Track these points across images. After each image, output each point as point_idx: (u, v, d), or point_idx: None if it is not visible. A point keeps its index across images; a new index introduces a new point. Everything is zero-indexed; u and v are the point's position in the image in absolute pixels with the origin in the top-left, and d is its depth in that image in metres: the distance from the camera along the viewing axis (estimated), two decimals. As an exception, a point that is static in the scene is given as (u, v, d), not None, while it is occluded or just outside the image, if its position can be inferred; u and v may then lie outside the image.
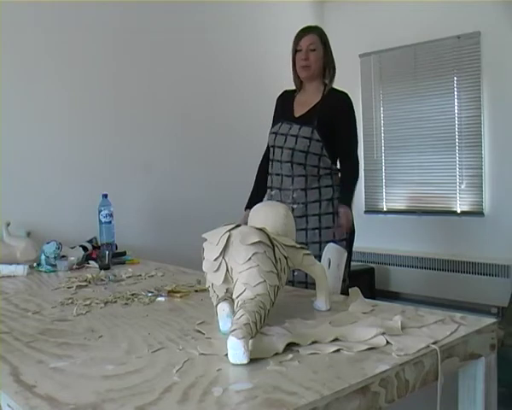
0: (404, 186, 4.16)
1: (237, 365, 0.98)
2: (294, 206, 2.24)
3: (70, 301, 1.61)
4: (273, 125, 2.39)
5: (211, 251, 1.19)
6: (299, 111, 2.33)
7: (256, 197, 2.38)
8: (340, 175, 2.33)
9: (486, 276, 3.57)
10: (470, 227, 3.67)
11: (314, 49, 2.29)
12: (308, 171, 2.25)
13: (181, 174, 3.29)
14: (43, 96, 2.71)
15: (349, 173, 2.34)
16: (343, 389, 0.88)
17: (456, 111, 3.72)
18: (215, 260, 1.18)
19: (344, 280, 2.12)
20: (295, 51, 2.34)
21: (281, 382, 0.91)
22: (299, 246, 1.32)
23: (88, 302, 1.57)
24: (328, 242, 2.16)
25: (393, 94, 4.10)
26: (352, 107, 2.34)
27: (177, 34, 3.28)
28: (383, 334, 1.10)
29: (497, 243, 3.55)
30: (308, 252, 1.36)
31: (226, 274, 1.17)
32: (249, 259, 1.13)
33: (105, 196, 2.57)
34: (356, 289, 1.51)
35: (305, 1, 4.19)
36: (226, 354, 1.01)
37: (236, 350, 0.98)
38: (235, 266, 1.15)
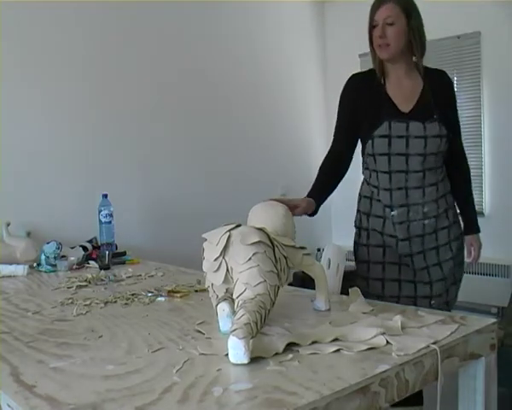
0: (404, 186, 4.15)
1: (237, 365, 0.98)
2: (425, 221, 1.85)
3: (70, 301, 1.61)
4: (373, 127, 1.84)
5: (211, 251, 1.19)
6: (404, 104, 1.85)
7: (319, 190, 1.88)
8: (455, 184, 1.96)
9: (486, 276, 3.57)
10: (470, 227, 3.67)
11: (392, 22, 1.79)
12: (438, 176, 1.87)
13: (181, 174, 3.29)
14: (43, 96, 2.71)
15: (469, 183, 1.99)
16: (343, 389, 0.88)
17: (456, 111, 3.72)
18: (215, 260, 1.18)
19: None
20: (371, 27, 1.85)
21: (281, 382, 0.91)
22: (298, 246, 1.32)
23: (88, 302, 1.57)
24: (461, 261, 1.97)
25: (393, 94, 4.10)
26: (453, 87, 1.97)
27: (178, 35, 3.28)
28: (383, 334, 1.10)
29: (497, 243, 3.54)
30: (308, 252, 1.36)
31: (226, 274, 1.17)
32: (249, 259, 1.12)
33: (105, 196, 2.57)
34: (356, 289, 1.51)
35: (305, 1, 4.19)
36: (226, 354, 1.01)
37: (237, 350, 0.98)
38: (235, 266, 1.15)
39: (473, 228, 1.99)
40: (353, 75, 1.98)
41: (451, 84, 1.96)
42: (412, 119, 1.81)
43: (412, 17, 1.81)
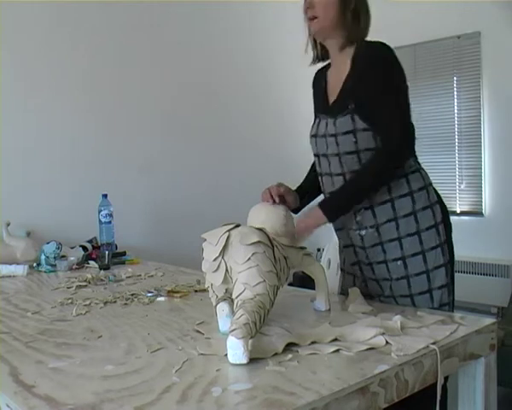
0: (404, 186, 4.15)
1: (236, 365, 0.98)
2: (362, 232, 1.52)
3: (70, 301, 1.61)
4: (312, 124, 1.66)
5: (210, 251, 1.19)
6: (333, 94, 1.57)
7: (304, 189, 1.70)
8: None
9: (486, 276, 3.57)
10: (470, 227, 3.67)
11: None
12: None
13: (181, 174, 3.29)
14: (42, 96, 2.71)
15: (364, 172, 1.47)
16: (342, 390, 0.88)
17: (455, 111, 3.71)
18: (214, 260, 1.18)
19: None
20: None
21: (280, 382, 0.91)
22: (298, 246, 1.32)
23: (87, 302, 1.57)
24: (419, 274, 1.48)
25: (393, 94, 4.10)
26: (388, 61, 1.50)
27: (179, 35, 3.28)
28: (383, 334, 1.10)
29: (497, 243, 3.54)
30: (308, 252, 1.36)
31: (225, 274, 1.17)
32: (249, 259, 1.12)
33: (105, 196, 2.56)
34: (356, 289, 1.50)
35: (305, 1, 4.19)
36: (225, 355, 1.01)
37: (236, 350, 0.98)
38: (234, 266, 1.15)
39: (320, 204, 1.47)
40: (317, 71, 1.72)
41: (385, 59, 1.50)
42: (331, 113, 1.54)
43: None
